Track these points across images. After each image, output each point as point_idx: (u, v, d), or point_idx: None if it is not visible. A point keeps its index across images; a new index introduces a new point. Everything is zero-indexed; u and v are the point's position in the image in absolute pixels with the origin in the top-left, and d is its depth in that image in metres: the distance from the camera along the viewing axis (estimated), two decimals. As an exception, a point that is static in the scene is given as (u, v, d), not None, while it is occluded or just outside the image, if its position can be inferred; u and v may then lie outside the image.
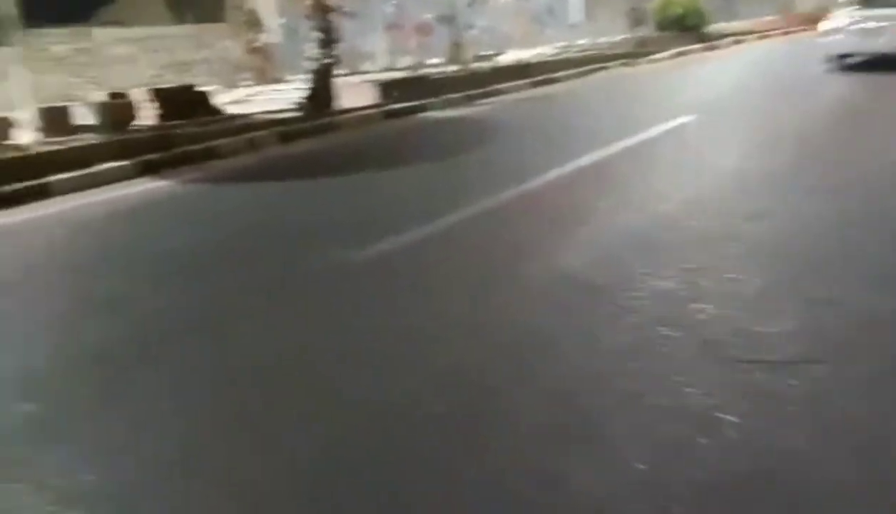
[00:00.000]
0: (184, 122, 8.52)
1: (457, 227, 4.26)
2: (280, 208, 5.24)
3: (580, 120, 8.20)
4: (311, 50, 9.17)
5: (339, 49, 9.34)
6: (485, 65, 13.04)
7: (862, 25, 10.24)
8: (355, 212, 4.89)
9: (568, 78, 12.41)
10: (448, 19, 27.35)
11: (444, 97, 10.16)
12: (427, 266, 3.70)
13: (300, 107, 9.15)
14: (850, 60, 10.56)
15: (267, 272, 3.76)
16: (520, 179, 5.19)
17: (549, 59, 14.53)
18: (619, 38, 19.71)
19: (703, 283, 3.08)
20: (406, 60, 18.52)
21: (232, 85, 15.76)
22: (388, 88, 9.99)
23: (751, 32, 19.20)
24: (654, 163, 5.71)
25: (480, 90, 10.76)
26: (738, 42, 17.69)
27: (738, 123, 7.25)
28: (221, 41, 20.50)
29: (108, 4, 24.55)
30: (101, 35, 18.98)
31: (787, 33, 20.30)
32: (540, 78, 11.94)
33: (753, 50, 16.88)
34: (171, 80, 19.95)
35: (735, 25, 20.36)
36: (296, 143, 7.90)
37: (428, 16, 25.53)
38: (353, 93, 9.85)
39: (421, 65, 17.90)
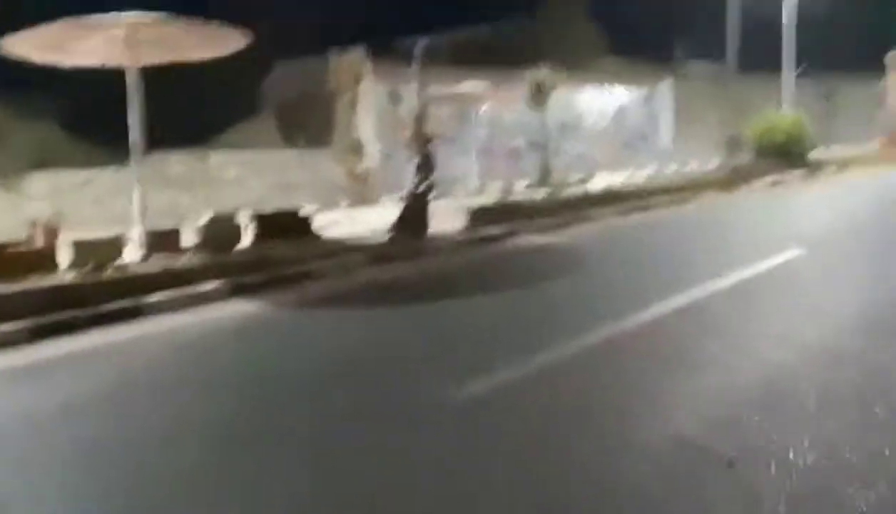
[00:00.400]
0: (283, 243, 8.85)
1: (553, 368, 4.00)
2: (370, 337, 5.17)
3: (676, 252, 7.91)
4: (408, 176, 9.48)
5: (435, 176, 9.62)
6: (575, 191, 13.06)
7: None
8: (447, 344, 4.75)
9: (660, 205, 12.20)
10: (537, 145, 28.24)
11: (535, 223, 10.16)
12: (523, 414, 3.43)
13: (394, 231, 9.35)
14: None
15: (362, 407, 3.61)
16: (617, 315, 4.92)
17: (641, 186, 14.44)
18: (712, 164, 19.52)
19: (847, 455, 2.65)
20: (496, 185, 18.96)
21: (332, 206, 16.57)
22: (480, 214, 10.10)
23: (853, 160, 18.50)
24: (764, 303, 5.30)
25: (571, 217, 10.71)
26: (839, 171, 17.08)
27: (852, 260, 6.76)
28: (325, 165, 21.89)
29: (226, 129, 27.01)
30: (216, 158, 20.68)
31: (891, 162, 19.46)
32: (631, 205, 11.81)
33: (857, 179, 16.23)
34: (276, 201, 21.34)
35: (837, 152, 19.78)
36: (388, 267, 7.98)
37: (519, 141, 26.45)
38: (445, 217, 10.00)
39: (510, 189, 18.28)
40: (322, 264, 7.62)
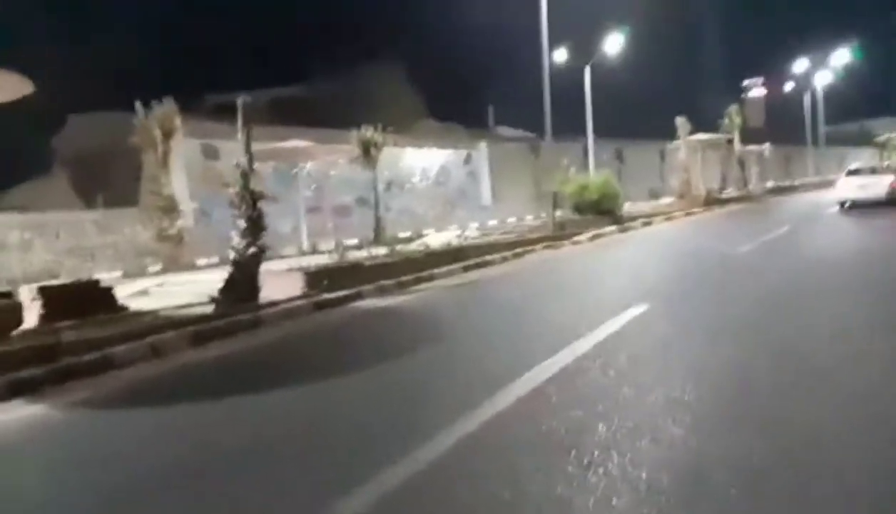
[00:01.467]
0: (79, 323, 7.32)
1: (434, 469, 3.30)
2: (194, 441, 4.09)
3: (527, 312, 7.59)
4: (235, 237, 8.40)
5: (265, 236, 8.64)
6: (414, 248, 12.65)
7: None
8: (296, 445, 3.84)
9: (499, 262, 12.17)
10: (366, 202, 27.92)
11: (377, 284, 9.50)
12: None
13: (220, 299, 8.17)
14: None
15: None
16: (488, 391, 4.36)
17: (475, 241, 14.44)
18: (533, 219, 20.35)
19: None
20: (328, 244, 18.12)
21: (140, 273, 14.62)
22: (316, 276, 9.24)
23: (656, 214, 20.29)
24: (629, 364, 4.98)
25: (413, 276, 10.20)
26: (647, 224, 18.56)
27: (698, 312, 6.88)
28: (130, 226, 19.56)
29: (7, 189, 23.39)
30: (-7, 221, 17.62)
31: (688, 214, 21.69)
32: (471, 262, 11.62)
33: (665, 229, 17.68)
34: (71, 269, 18.58)
35: (641, 207, 21.62)
36: (214, 344, 6.82)
37: (347, 198, 25.90)
38: (277, 282, 9.02)
39: (343, 247, 17.60)
40: (129, 348, 6.30)
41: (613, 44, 28.63)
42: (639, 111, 37.03)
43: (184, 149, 17.14)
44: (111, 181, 21.23)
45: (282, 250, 14.81)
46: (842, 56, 47.45)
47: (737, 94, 37.80)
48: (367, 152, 19.47)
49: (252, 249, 8.40)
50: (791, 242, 12.06)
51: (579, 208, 17.42)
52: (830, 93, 50.78)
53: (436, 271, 10.75)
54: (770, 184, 36.25)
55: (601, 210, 17.50)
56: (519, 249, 13.07)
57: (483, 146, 34.57)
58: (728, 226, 17.83)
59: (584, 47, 30.85)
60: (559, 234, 15.25)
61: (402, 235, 21.07)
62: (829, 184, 38.23)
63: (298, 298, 8.68)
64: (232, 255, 8.40)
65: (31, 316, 7.52)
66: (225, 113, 21.44)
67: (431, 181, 31.26)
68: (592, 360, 5.03)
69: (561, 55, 30.55)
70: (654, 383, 4.43)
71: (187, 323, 7.15)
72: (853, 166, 22.40)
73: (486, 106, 43.24)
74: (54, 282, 8.44)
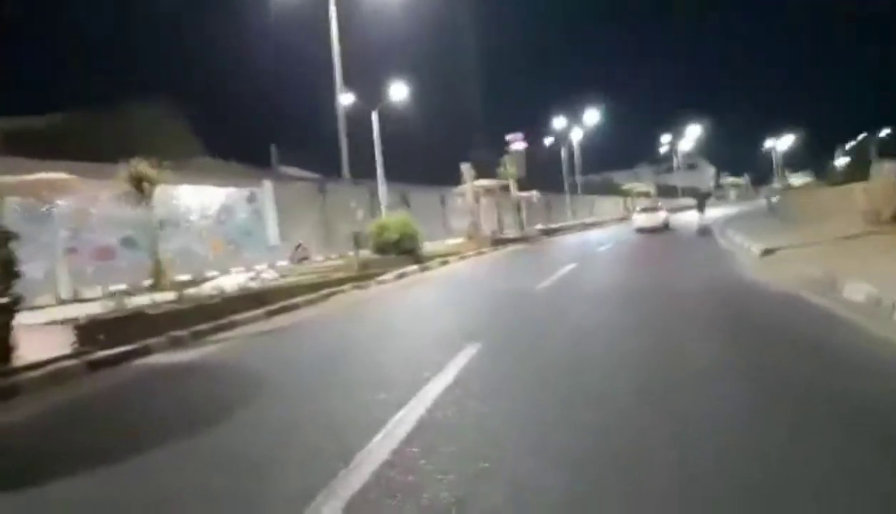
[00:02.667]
0: None
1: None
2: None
3: (349, 362, 6.75)
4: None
5: (17, 284, 6.86)
6: (206, 292, 11.19)
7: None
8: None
9: (305, 304, 11.26)
10: (133, 242, 24.88)
11: (168, 335, 8.10)
12: None
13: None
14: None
15: None
16: (313, 474, 3.50)
17: (276, 283, 13.34)
18: (325, 260, 19.59)
19: None
20: (93, 290, 15.59)
21: None
22: (89, 329, 7.60)
23: (450, 254, 20.72)
24: (476, 428, 4.26)
25: (210, 324, 8.92)
26: (444, 263, 18.82)
27: (530, 350, 6.71)
28: None
29: None
30: None
31: (479, 254, 22.53)
32: (275, 306, 10.57)
33: (464, 267, 18.03)
34: None
35: (436, 247, 21.99)
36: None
37: (111, 238, 22.80)
38: (36, 338, 7.23)
39: (119, 293, 15.29)
40: None
41: (398, 92, 29.38)
42: (418, 157, 38.48)
43: None
44: None
45: (35, 300, 12.34)
46: (592, 116, 54.34)
47: (502, 146, 41.15)
48: (140, 188, 17.28)
49: (2, 300, 6.61)
50: (583, 278, 12.83)
51: (381, 248, 17.10)
52: (582, 147, 57.82)
53: (236, 317, 9.55)
54: (539, 226, 39.58)
55: (402, 250, 17.36)
56: (325, 291, 12.27)
57: (268, 184, 33.03)
58: (520, 264, 18.73)
59: (372, 93, 31.36)
60: (363, 273, 14.72)
61: (182, 277, 18.99)
62: (587, 226, 43.60)
63: (67, 357, 7.01)
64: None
65: None
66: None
67: (212, 220, 29.04)
68: (430, 427, 4.42)
69: (348, 99, 30.65)
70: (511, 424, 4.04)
71: None
72: (641, 206, 32.03)
73: (268, 145, 41.77)
74: None
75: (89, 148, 21.42)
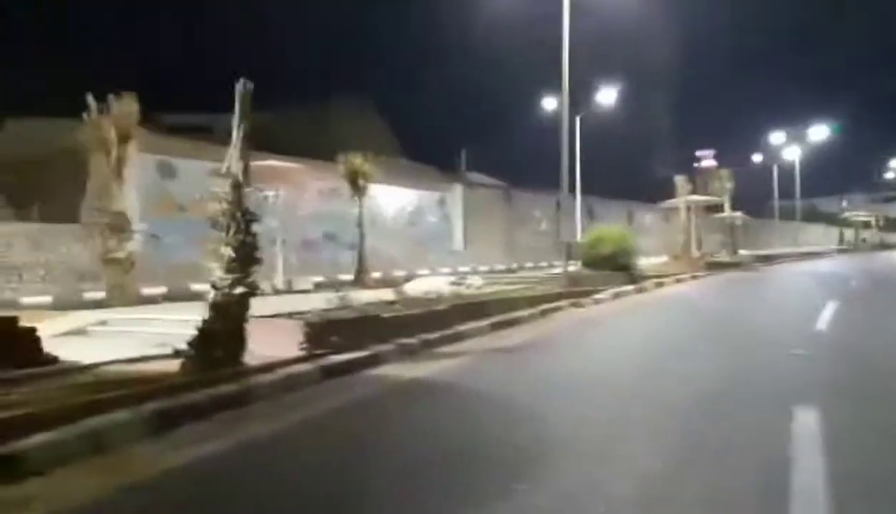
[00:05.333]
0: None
1: None
2: None
3: (615, 398, 5.41)
4: (215, 270, 6.00)
5: (256, 272, 6.28)
6: (424, 297, 10.23)
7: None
8: None
9: (527, 320, 10.00)
10: (333, 237, 25.50)
11: (397, 343, 7.18)
12: None
13: (187, 356, 5.72)
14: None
15: None
16: None
17: (484, 292, 12.23)
18: (507, 269, 18.29)
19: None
20: (301, 281, 15.67)
21: (74, 301, 11.83)
22: (321, 328, 6.85)
23: (660, 275, 18.50)
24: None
25: (438, 334, 7.92)
26: (660, 284, 16.77)
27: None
28: (68, 244, 16.59)
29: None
30: None
31: (694, 278, 20.08)
32: (498, 319, 9.40)
33: (687, 292, 15.87)
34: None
35: (646, 265, 19.88)
36: (183, 434, 4.39)
37: (315, 233, 23.44)
38: (264, 331, 6.57)
39: (341, 286, 15.33)
40: (48, 442, 3.82)
41: (606, 96, 27.48)
42: (600, 167, 36.20)
43: (138, 164, 14.57)
44: (50, 192, 18.28)
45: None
46: (819, 132, 47.40)
47: (687, 162, 36.79)
48: (354, 183, 17.22)
49: (240, 289, 5.99)
50: (870, 321, 10.27)
51: (592, 262, 15.47)
52: (781, 169, 50.67)
53: (461, 327, 8.50)
54: (743, 252, 35.48)
55: (615, 266, 15.60)
56: (544, 306, 10.93)
57: (458, 189, 32.75)
58: (760, 295, 16.16)
59: (572, 99, 29.74)
60: (574, 290, 13.22)
61: (374, 275, 18.80)
62: (805, 256, 37.91)
63: (299, 360, 6.27)
64: (211, 294, 5.95)
65: None
66: (181, 135, 18.97)
67: (404, 221, 29.18)
68: None
69: (550, 104, 29.29)
70: None
71: (145, 397, 4.67)
72: None
73: (458, 149, 41.73)
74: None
75: (297, 145, 22.12)
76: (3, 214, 18.56)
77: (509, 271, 27.04)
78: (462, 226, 32.61)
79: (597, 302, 12.75)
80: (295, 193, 18.88)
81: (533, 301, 11.05)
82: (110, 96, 11.23)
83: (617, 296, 13.70)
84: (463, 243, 32.57)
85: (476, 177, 39.59)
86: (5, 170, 21.19)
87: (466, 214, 32.75)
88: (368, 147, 18.73)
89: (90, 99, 11.18)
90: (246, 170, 6.22)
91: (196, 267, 18.97)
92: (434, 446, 4.21)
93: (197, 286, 17.29)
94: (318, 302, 8.97)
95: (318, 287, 15.88)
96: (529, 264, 31.30)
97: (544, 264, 31.66)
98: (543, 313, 10.58)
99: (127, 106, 11.42)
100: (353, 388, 5.78)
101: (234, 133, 6.20)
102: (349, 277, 20.11)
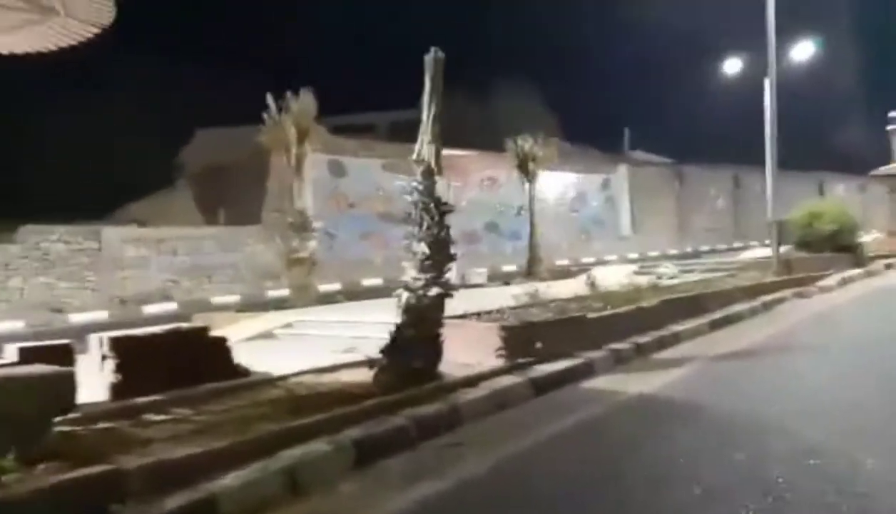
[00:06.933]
0: (165, 398, 4.45)
1: None
2: None
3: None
4: (408, 270, 5.32)
5: (451, 271, 5.52)
6: (616, 289, 8.97)
7: None
8: None
9: (749, 315, 8.47)
10: (494, 227, 24.75)
11: (608, 348, 6.12)
12: None
13: (380, 366, 5.07)
14: None
15: None
16: None
17: (680, 282, 10.71)
18: (760, 252, 16.16)
19: None
20: (477, 274, 15.04)
21: (258, 301, 12.07)
22: (519, 332, 5.95)
23: (891, 255, 15.60)
24: None
25: (651, 336, 6.73)
26: (889, 266, 14.12)
27: None
28: (252, 245, 17.35)
29: (127, 202, 22.07)
30: (110, 234, 15.90)
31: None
32: (717, 315, 7.99)
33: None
34: (185, 289, 16.57)
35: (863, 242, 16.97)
36: (383, 469, 3.69)
37: (476, 223, 22.86)
38: (455, 334, 5.77)
39: (498, 276, 14.57)
40: (242, 483, 3.24)
41: (803, 50, 23.98)
42: (787, 136, 31.99)
43: (312, 163, 14.71)
44: (235, 197, 19.29)
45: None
46: None
47: (879, 125, 30.94)
48: (525, 167, 16.28)
49: (435, 289, 5.24)
50: None
51: (807, 243, 13.25)
52: None
53: (675, 327, 7.23)
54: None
55: (837, 246, 13.27)
56: (766, 298, 9.29)
57: (623, 169, 30.58)
58: None
59: (755, 59, 26.39)
60: (794, 277, 11.27)
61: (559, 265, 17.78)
62: None
63: (501, 370, 5.41)
64: (404, 296, 5.25)
65: (99, 383, 4.74)
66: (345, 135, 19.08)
67: (566, 207, 27.78)
68: None
69: (733, 66, 26.26)
70: None
71: (342, 421, 4.02)
72: None
73: (621, 128, 39.18)
74: (137, 331, 5.68)
75: (453, 129, 21.63)
76: (193, 219, 19.94)
77: (684, 256, 24.76)
78: (629, 209, 30.45)
79: (822, 290, 10.76)
80: (459, 182, 18.35)
81: (750, 292, 9.42)
82: (288, 94, 11.17)
83: (844, 282, 11.55)
84: (631, 228, 30.44)
85: (639, 156, 36.95)
86: (195, 177, 22.88)
87: (633, 195, 30.51)
88: (530, 132, 17.77)
89: (269, 98, 11.20)
90: (437, 156, 5.46)
91: (367, 262, 19.09)
92: (713, 493, 3.11)
93: (368, 282, 17.60)
94: (499, 297, 8.12)
95: (490, 281, 15.20)
96: (705, 248, 28.55)
97: (722, 246, 28.74)
98: (766, 307, 8.95)
99: (305, 103, 11.33)
100: (573, 407, 4.80)
101: (424, 113, 5.45)
102: (512, 267, 19.30)
